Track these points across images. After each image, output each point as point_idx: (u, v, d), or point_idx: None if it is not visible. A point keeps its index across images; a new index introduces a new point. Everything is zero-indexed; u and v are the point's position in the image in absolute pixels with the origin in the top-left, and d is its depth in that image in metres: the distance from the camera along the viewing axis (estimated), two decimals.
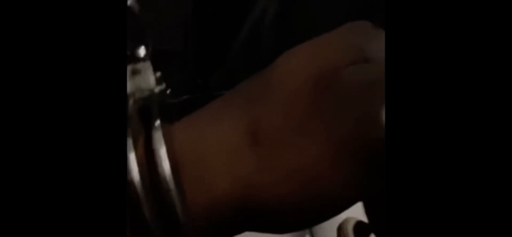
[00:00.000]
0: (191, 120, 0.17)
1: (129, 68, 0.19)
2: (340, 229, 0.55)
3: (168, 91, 0.19)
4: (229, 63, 0.34)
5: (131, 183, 0.15)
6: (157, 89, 0.18)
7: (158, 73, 0.19)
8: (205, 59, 0.34)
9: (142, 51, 0.22)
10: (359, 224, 0.41)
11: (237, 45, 0.33)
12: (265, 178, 0.16)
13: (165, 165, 0.15)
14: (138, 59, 0.20)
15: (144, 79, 0.18)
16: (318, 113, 0.16)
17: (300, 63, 0.17)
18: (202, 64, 0.34)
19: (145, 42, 0.25)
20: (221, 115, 0.17)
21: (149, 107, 0.17)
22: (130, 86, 0.18)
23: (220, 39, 0.33)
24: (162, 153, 0.16)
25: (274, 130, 0.16)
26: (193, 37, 0.32)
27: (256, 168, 0.16)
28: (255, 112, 0.16)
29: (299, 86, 0.16)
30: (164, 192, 0.15)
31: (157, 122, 0.16)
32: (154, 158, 0.15)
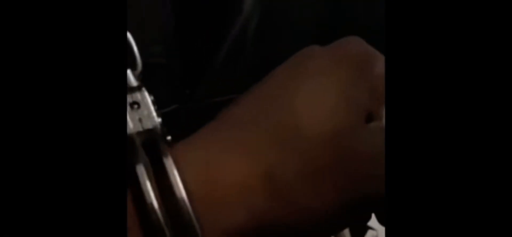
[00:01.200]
0: (203, 142, 0.18)
1: (128, 98, 0.19)
2: None
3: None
4: (214, 73, 0.34)
5: (152, 209, 0.16)
6: (158, 120, 0.19)
7: (152, 97, 0.20)
8: (190, 70, 0.34)
9: (132, 79, 0.23)
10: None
11: (221, 55, 0.34)
12: (276, 214, 0.17)
13: (182, 191, 0.17)
14: (133, 89, 0.20)
15: (145, 114, 0.20)
16: (331, 168, 0.17)
17: (319, 118, 0.18)
18: (188, 75, 0.35)
19: (132, 65, 0.26)
20: (238, 151, 0.18)
21: (156, 140, 0.18)
22: (131, 120, 0.19)
23: (204, 50, 0.34)
24: (177, 180, 0.17)
25: (289, 176, 0.17)
26: (176, 50, 0.33)
27: (269, 206, 0.17)
28: (273, 157, 0.17)
29: (318, 142, 0.17)
30: (184, 215, 0.16)
31: (166, 152, 0.18)
32: (171, 185, 0.16)
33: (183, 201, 0.17)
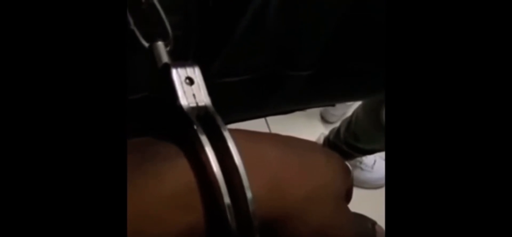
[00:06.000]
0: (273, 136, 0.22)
1: (181, 72, 0.19)
2: None
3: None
4: (231, 49, 0.32)
5: (211, 171, 0.16)
6: (209, 100, 0.19)
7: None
8: (207, 45, 0.32)
9: (164, 53, 0.22)
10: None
11: (240, 30, 0.32)
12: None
13: (238, 159, 0.18)
14: (187, 64, 0.20)
15: (199, 90, 0.21)
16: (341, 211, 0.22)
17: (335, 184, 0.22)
18: (204, 51, 0.32)
19: (164, 37, 0.24)
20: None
21: (211, 114, 0.20)
22: (187, 94, 0.20)
23: (223, 24, 0.32)
24: (235, 149, 0.18)
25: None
26: (194, 23, 0.30)
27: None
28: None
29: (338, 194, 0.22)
30: (238, 179, 0.18)
31: (224, 125, 0.19)
32: (229, 153, 0.16)
33: (241, 167, 0.18)
